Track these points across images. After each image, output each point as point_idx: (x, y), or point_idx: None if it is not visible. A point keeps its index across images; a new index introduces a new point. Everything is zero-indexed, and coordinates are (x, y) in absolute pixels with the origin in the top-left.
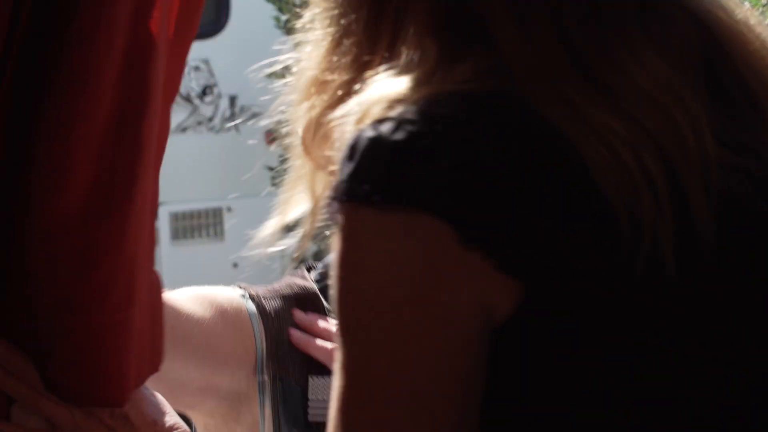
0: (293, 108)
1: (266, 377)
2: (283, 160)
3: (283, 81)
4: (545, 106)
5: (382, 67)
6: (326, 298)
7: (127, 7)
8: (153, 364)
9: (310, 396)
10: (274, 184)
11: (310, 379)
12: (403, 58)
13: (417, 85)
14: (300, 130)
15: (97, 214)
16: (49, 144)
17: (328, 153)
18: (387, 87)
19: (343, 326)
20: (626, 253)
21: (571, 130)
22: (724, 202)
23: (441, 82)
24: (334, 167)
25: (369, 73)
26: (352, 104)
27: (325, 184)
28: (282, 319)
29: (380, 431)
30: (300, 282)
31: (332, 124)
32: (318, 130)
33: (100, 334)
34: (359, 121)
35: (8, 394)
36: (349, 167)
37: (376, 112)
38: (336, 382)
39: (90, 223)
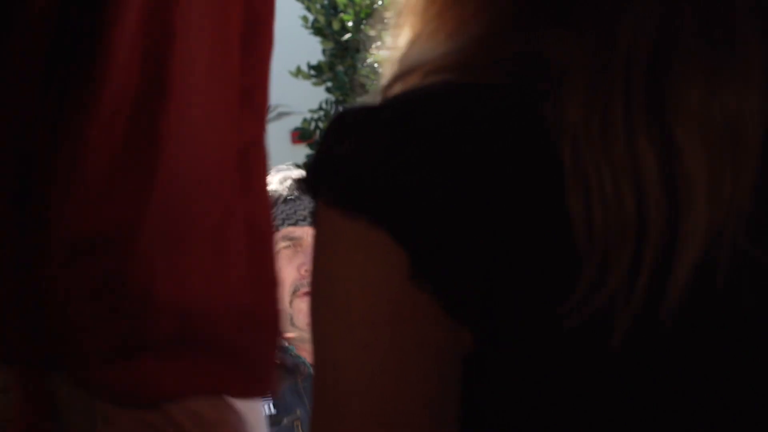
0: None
1: None
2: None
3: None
4: (562, 109)
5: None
6: None
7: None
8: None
9: None
10: None
11: None
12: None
13: (450, 57)
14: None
15: (111, 197)
16: (64, 146)
17: None
18: (417, 53)
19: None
20: (575, 312)
21: (568, 158)
22: (719, 293)
23: (474, 62)
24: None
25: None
26: (387, 65)
27: None
28: None
29: None
30: None
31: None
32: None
33: (126, 334)
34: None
35: None
36: (320, 154)
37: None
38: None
39: (104, 206)
